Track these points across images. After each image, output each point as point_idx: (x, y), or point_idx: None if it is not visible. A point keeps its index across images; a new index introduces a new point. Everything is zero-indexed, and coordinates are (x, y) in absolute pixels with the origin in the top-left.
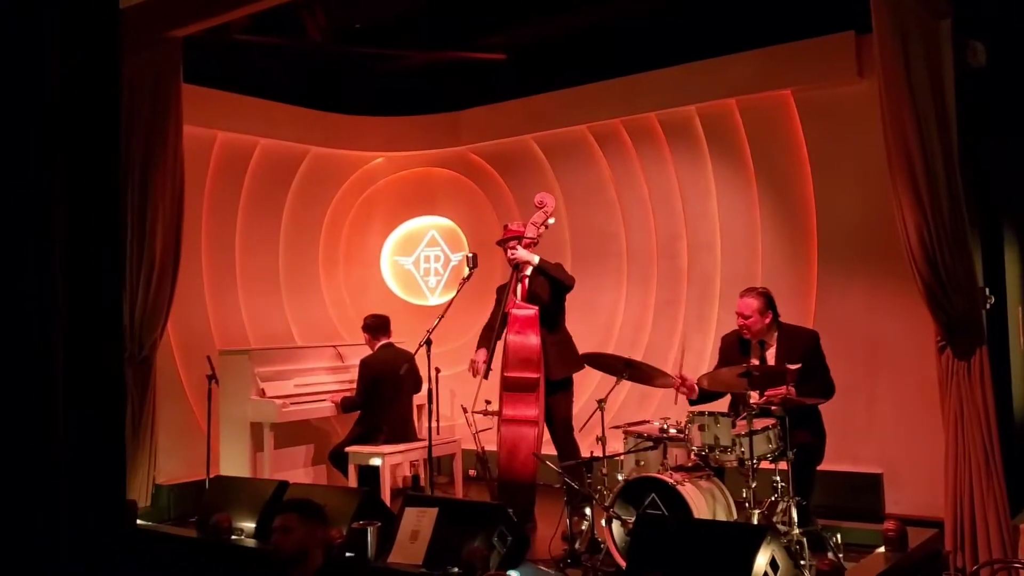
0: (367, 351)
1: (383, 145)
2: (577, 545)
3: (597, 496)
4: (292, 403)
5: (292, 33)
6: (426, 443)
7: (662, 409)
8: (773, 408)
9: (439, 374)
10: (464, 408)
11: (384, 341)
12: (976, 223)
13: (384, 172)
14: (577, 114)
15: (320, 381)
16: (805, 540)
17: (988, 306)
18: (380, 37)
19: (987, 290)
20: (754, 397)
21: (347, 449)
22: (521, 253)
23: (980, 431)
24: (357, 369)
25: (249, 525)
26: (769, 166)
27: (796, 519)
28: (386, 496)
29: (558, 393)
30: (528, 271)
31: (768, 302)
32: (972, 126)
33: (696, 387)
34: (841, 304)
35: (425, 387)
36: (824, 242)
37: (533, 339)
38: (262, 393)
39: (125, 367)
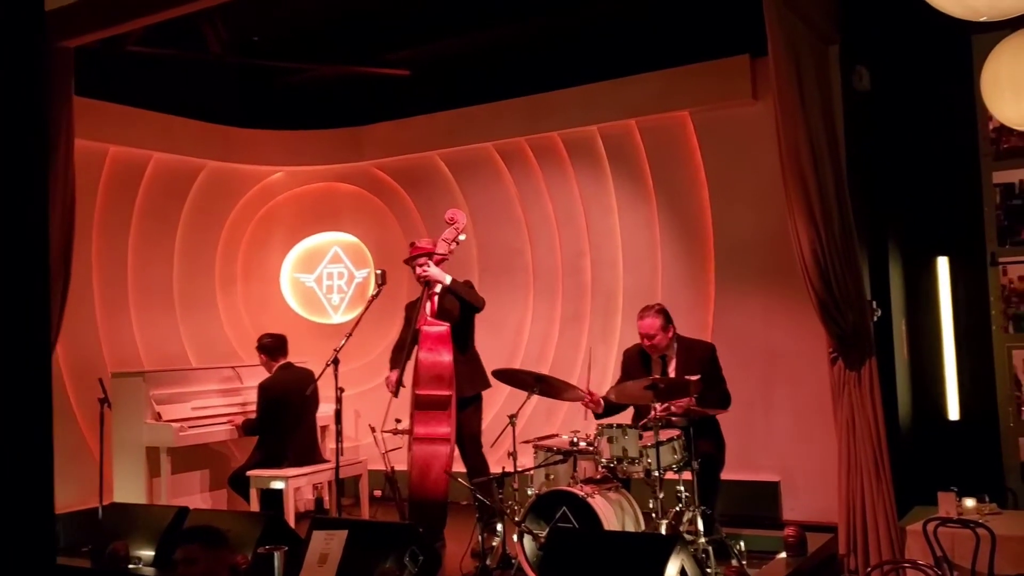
0: (266, 371)
1: (283, 159)
2: (488, 561)
3: (508, 511)
4: (190, 426)
5: (190, 45)
6: (330, 465)
7: (569, 422)
8: (675, 419)
9: (343, 394)
10: (372, 428)
11: (283, 362)
12: (864, 239)
13: (284, 187)
14: (482, 131)
15: (218, 403)
16: (711, 548)
17: (876, 318)
18: (282, 50)
19: (874, 303)
20: (656, 409)
21: (248, 473)
22: (433, 271)
23: (870, 438)
24: (256, 393)
25: (148, 553)
26: (668, 184)
27: (702, 528)
28: (290, 520)
29: (468, 410)
30: (438, 288)
31: (667, 318)
32: (858, 146)
33: (602, 401)
34: (738, 317)
35: (331, 407)
36: (721, 257)
37: (445, 356)
38: (158, 416)
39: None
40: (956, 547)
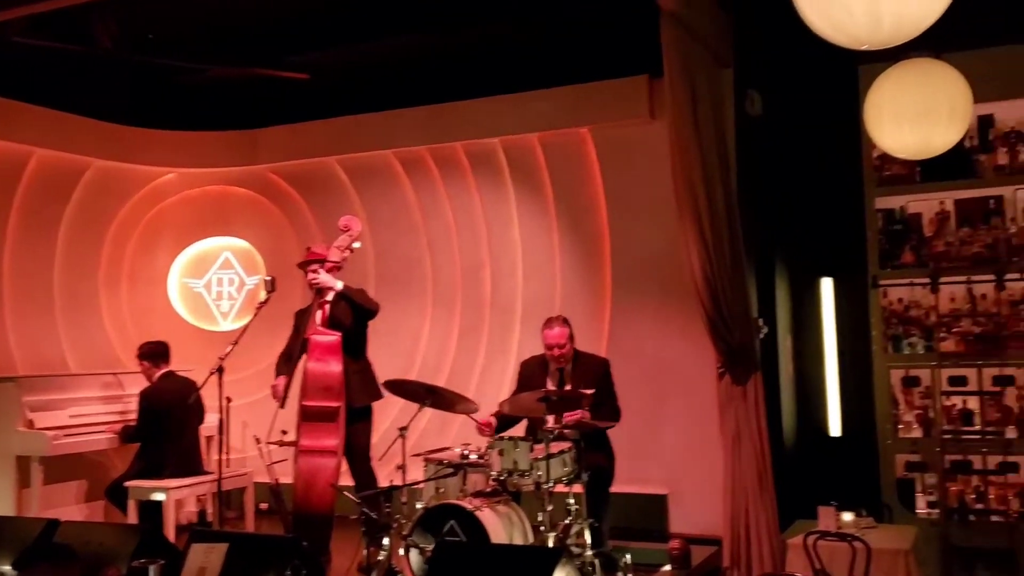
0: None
1: (176, 160)
2: (374, 575)
3: (396, 525)
4: (65, 435)
5: (79, 39)
6: (214, 476)
7: (462, 435)
8: (567, 432)
9: (230, 403)
10: (258, 439)
11: (165, 370)
12: (752, 259)
13: (175, 189)
14: (383, 139)
15: (97, 411)
16: (597, 561)
17: (762, 336)
18: (178, 49)
19: (761, 321)
20: (549, 422)
21: (127, 484)
22: (324, 278)
23: (755, 452)
24: (137, 401)
25: (7, 568)
26: (568, 199)
27: (590, 541)
28: (170, 533)
29: (358, 422)
30: (330, 296)
31: (572, 329)
32: (749, 169)
33: (494, 421)
34: (632, 331)
35: (216, 417)
36: (617, 272)
37: (335, 366)
38: (30, 424)
39: None
40: (834, 560)
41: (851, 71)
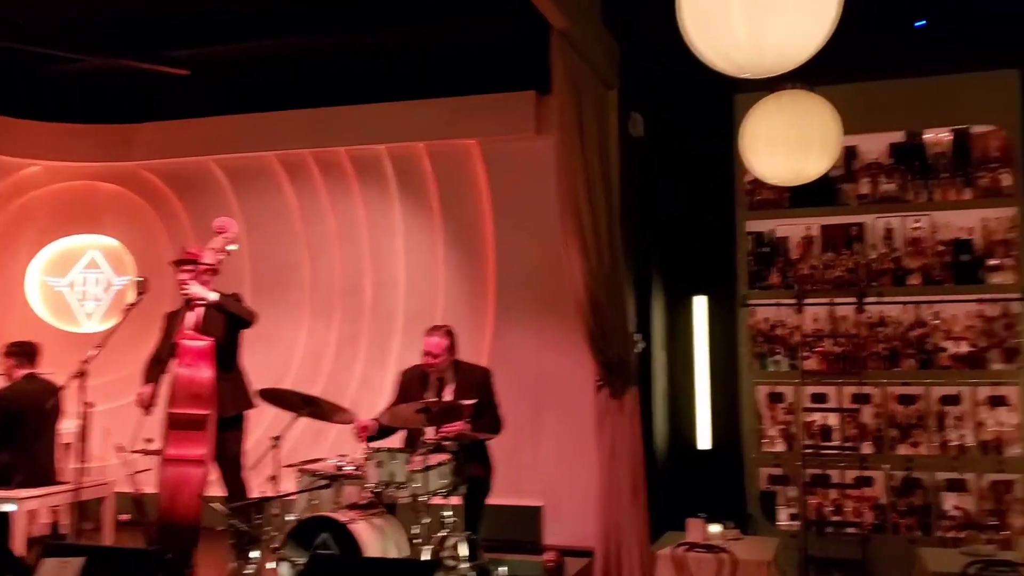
0: (6, 380)
1: (42, 152)
2: None
3: (266, 538)
4: None
5: None
6: (70, 486)
7: (339, 446)
8: (447, 444)
9: (92, 409)
10: (121, 447)
11: (28, 371)
12: (632, 275)
13: (40, 182)
14: (264, 140)
15: None
16: (473, 574)
17: (638, 350)
18: (50, 36)
19: (638, 336)
20: (429, 433)
21: None
22: (195, 290)
23: (629, 465)
24: None
25: None
26: (455, 210)
27: (465, 553)
28: (20, 546)
29: (230, 431)
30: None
31: (454, 341)
32: (631, 188)
33: (368, 426)
34: (514, 344)
35: (76, 423)
36: (502, 284)
37: (205, 373)
38: None
39: None
40: (701, 571)
41: (728, 100)
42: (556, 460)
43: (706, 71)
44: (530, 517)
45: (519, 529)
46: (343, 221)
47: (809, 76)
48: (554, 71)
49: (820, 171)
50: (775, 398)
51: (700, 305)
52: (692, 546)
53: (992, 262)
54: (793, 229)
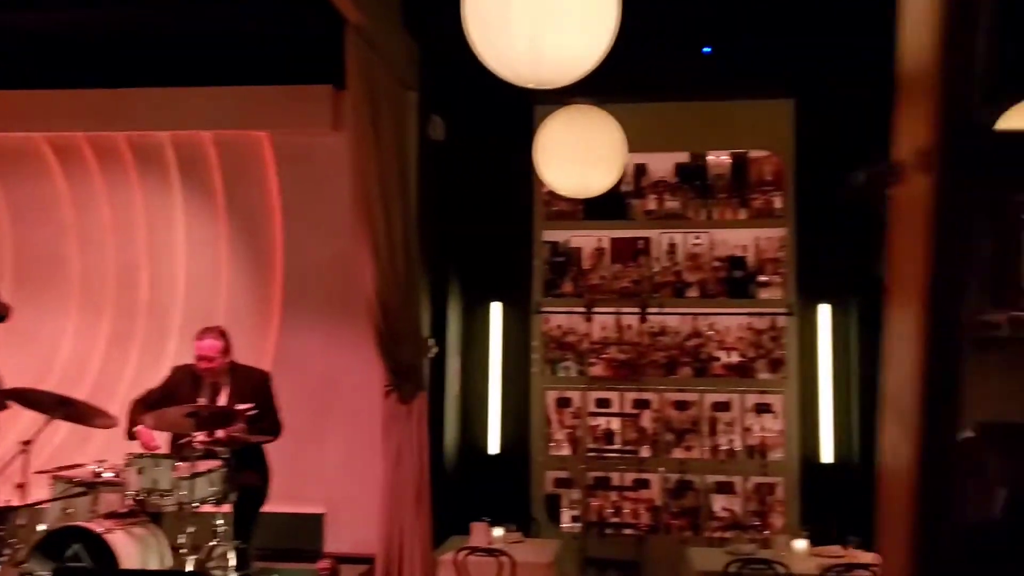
0: None
1: None
2: None
3: (10, 550)
4: None
5: None
6: None
7: (103, 451)
8: (219, 449)
9: None
10: None
11: None
12: (428, 279)
13: None
14: (32, 121)
15: None
16: None
17: (432, 355)
18: None
19: (432, 340)
20: (201, 437)
21: None
22: None
23: (414, 470)
24: None
25: None
26: (241, 204)
27: (234, 563)
28: None
29: None
30: None
31: (229, 341)
32: (430, 192)
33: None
34: (300, 346)
35: None
36: (290, 284)
37: None
38: None
39: None
40: (482, 574)
41: (528, 109)
42: (340, 466)
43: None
44: (312, 524)
45: (300, 537)
46: (119, 211)
47: (602, 93)
48: (348, 66)
49: (605, 186)
50: (563, 403)
51: (496, 311)
52: (473, 550)
53: (763, 278)
54: (586, 240)
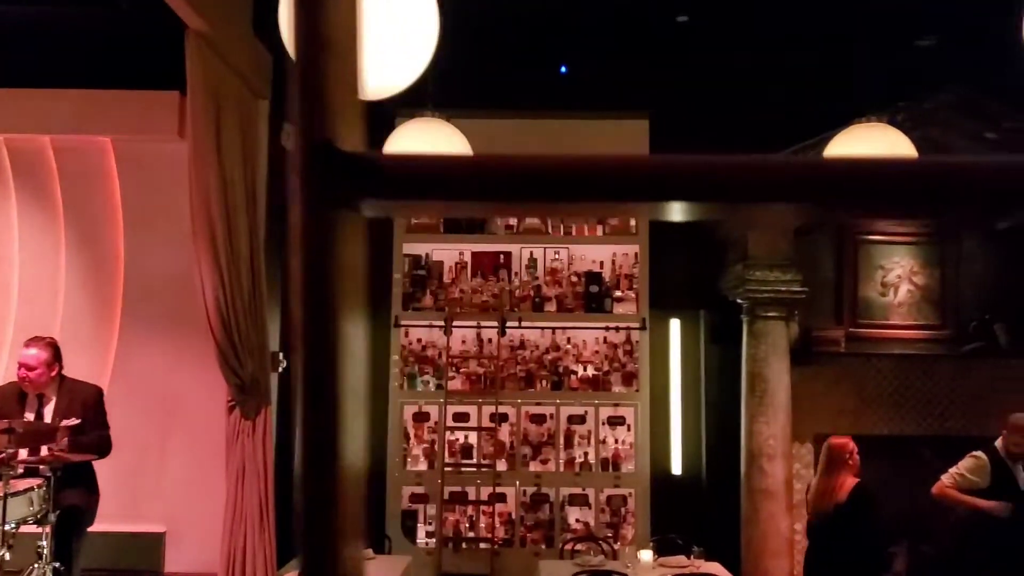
0: None
1: None
2: None
3: None
4: None
5: None
6: None
7: None
8: (42, 467)
9: None
10: None
11: None
12: (278, 291)
13: None
14: None
15: None
16: None
17: (281, 370)
18: None
19: (281, 354)
20: (23, 454)
21: None
22: None
23: (258, 488)
24: None
25: None
26: (81, 212)
27: None
28: None
29: None
30: None
31: (57, 354)
32: (281, 201)
33: None
34: (143, 359)
35: None
36: (131, 296)
37: None
38: None
39: None
40: None
41: (390, 120)
42: (182, 484)
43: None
44: (152, 543)
45: (140, 556)
46: None
47: (458, 107)
48: (189, 73)
49: None
50: (421, 417)
51: None
52: None
53: (618, 293)
54: (448, 254)
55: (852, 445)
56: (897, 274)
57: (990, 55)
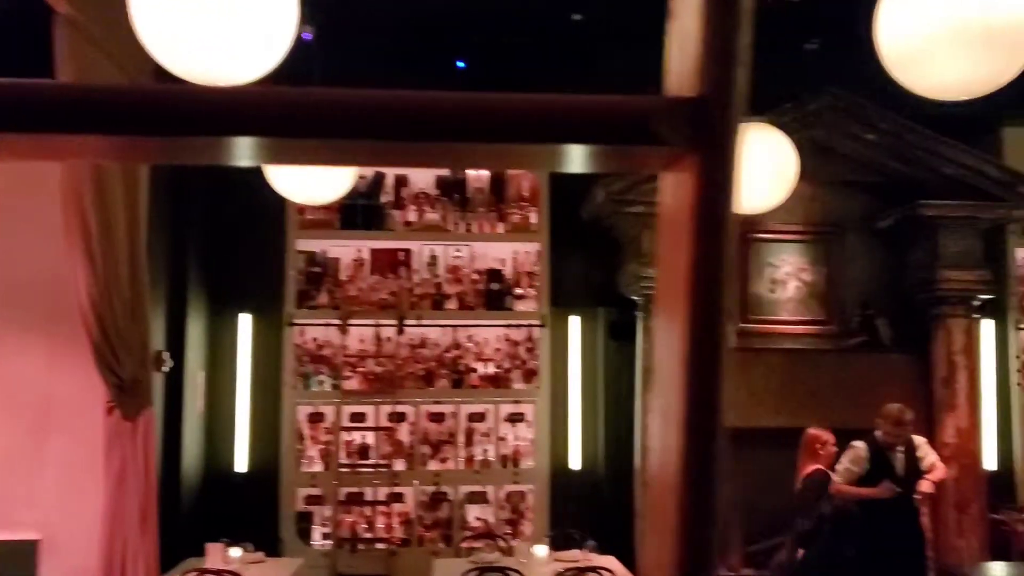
0: None
1: None
2: None
3: None
4: None
5: None
6: None
7: None
8: None
9: None
10: None
11: None
12: (165, 290)
13: None
14: None
15: None
16: None
17: (166, 369)
18: None
19: (166, 354)
20: None
21: None
22: None
23: (139, 492)
24: None
25: None
26: None
27: None
28: None
29: None
30: None
31: None
32: (168, 200)
33: None
34: (16, 363)
35: None
36: (2, 296)
37: None
38: None
39: None
40: None
41: None
42: (59, 489)
43: None
44: (25, 551)
45: (12, 565)
46: None
47: None
48: (56, 61)
49: (338, 194)
50: (317, 418)
51: (246, 323)
52: (203, 572)
53: (519, 291)
54: (345, 251)
55: (825, 437)
56: (786, 271)
57: (869, 59)
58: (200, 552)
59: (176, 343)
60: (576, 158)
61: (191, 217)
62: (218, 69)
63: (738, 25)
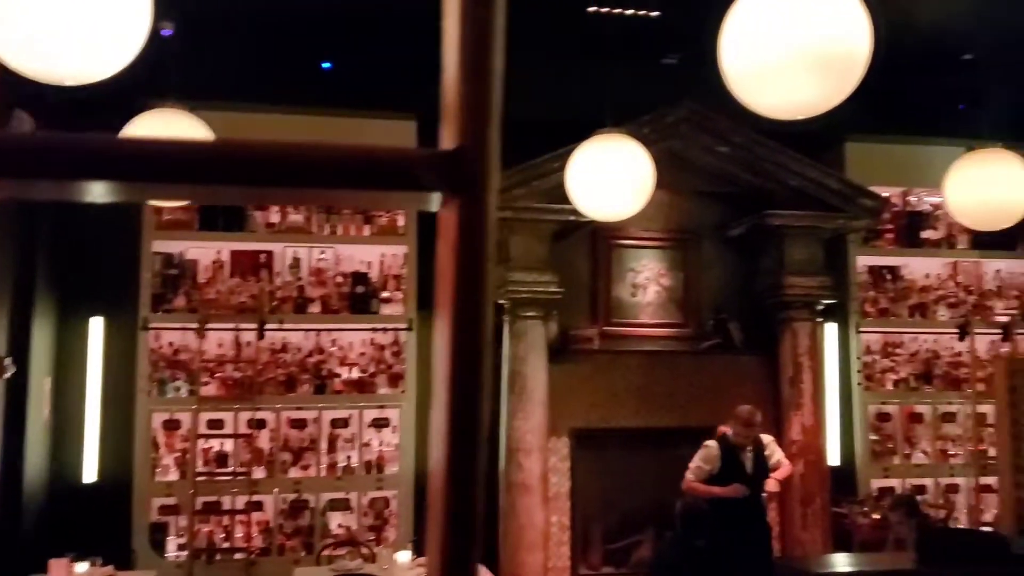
0: None
1: None
2: None
3: None
4: None
5: None
6: None
7: None
8: None
9: None
10: None
11: None
12: (7, 292)
13: None
14: None
15: None
16: None
17: (7, 375)
18: None
19: (8, 360)
20: None
21: None
22: None
23: None
24: None
25: None
26: None
27: None
28: None
29: None
30: None
31: None
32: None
33: None
34: None
35: None
36: None
37: None
38: None
39: None
40: None
41: (137, 111)
42: None
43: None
44: None
45: None
46: None
47: (207, 99)
48: None
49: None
50: (172, 425)
51: (97, 327)
52: None
53: (385, 294)
54: (204, 252)
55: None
56: (646, 276)
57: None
58: (43, 569)
59: (19, 348)
60: (357, 200)
61: (40, 217)
62: (68, 67)
63: (492, 86)
